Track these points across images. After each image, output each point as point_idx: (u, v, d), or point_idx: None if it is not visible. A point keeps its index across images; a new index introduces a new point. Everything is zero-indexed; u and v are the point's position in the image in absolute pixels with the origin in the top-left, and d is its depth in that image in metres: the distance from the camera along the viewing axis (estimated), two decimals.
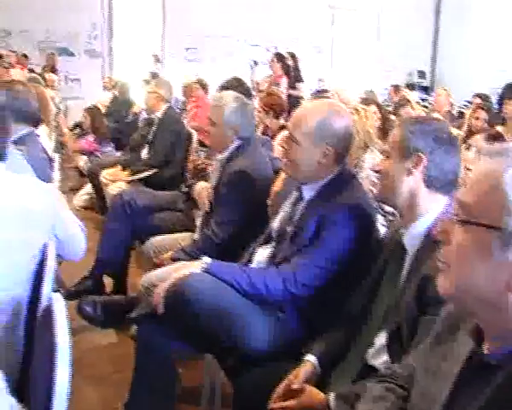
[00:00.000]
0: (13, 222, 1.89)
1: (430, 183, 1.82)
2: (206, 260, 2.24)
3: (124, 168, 5.07)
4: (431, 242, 1.71)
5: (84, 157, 6.27)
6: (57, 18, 11.73)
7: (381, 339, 1.84)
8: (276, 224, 2.40)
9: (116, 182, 4.78)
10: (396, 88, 9.74)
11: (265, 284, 2.14)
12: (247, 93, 4.01)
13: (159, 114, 4.90)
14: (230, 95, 3.18)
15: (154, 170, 4.64)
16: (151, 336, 2.26)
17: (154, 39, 12.81)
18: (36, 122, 3.48)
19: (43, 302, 1.84)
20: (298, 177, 2.31)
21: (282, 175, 2.78)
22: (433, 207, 1.81)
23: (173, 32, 12.37)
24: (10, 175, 2.00)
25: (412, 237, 1.82)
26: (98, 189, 5.35)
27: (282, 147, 2.41)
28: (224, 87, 4.17)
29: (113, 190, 4.63)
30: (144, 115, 5.96)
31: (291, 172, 2.34)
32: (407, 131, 1.84)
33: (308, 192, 2.28)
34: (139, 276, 3.98)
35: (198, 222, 3.23)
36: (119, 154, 6.24)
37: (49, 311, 1.65)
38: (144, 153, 4.96)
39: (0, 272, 1.85)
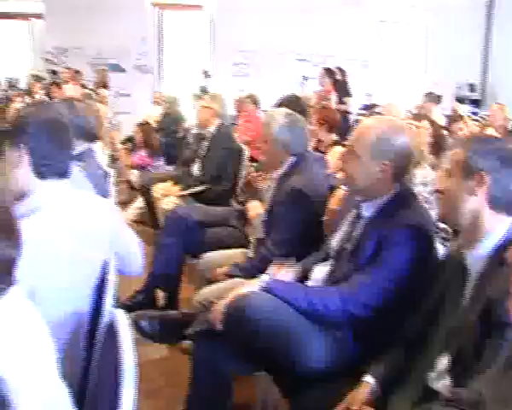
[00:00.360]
0: (76, 239, 1.94)
1: (494, 203, 1.78)
2: (264, 278, 2.24)
3: (175, 183, 5.13)
4: (496, 264, 1.67)
5: (136, 171, 6.37)
6: (108, 35, 12.01)
7: (443, 362, 1.80)
8: (334, 242, 2.39)
9: (168, 196, 4.83)
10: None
11: (324, 302, 2.13)
12: (303, 110, 4.00)
13: (211, 130, 4.94)
14: (280, 111, 3.19)
15: (206, 186, 4.67)
16: (208, 353, 2.27)
17: (202, 54, 12.98)
18: (93, 138, 3.57)
19: (105, 318, 1.87)
20: (354, 191, 2.31)
21: (339, 192, 2.76)
22: (497, 228, 1.77)
23: (222, 47, 12.48)
24: (73, 192, 2.05)
25: (475, 259, 1.79)
26: (150, 203, 5.42)
27: (341, 160, 2.41)
28: (281, 103, 4.16)
29: (165, 204, 4.68)
30: (195, 130, 6.00)
31: (347, 185, 2.35)
32: (470, 149, 1.81)
33: (367, 210, 2.26)
34: (190, 291, 4.04)
35: (252, 239, 3.23)
36: (170, 168, 6.32)
37: (111, 327, 1.68)
38: (196, 168, 5.00)
39: (62, 287, 1.89)
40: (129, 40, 12.31)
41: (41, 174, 1.94)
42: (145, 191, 5.50)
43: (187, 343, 3.13)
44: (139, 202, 6.06)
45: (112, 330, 1.65)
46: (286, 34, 12.23)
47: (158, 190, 5.14)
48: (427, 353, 1.88)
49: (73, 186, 2.08)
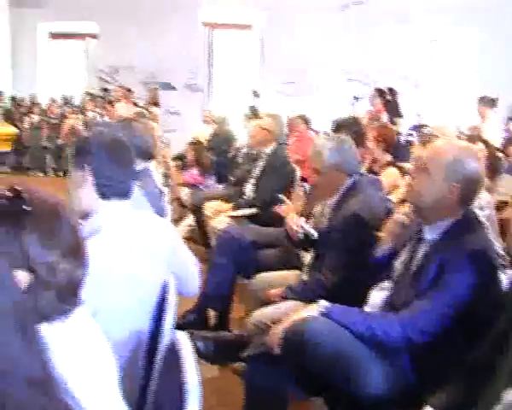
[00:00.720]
0: (137, 259, 1.96)
1: None
2: (323, 303, 2.22)
3: (226, 202, 5.16)
4: None
5: (187, 189, 6.43)
6: (160, 54, 12.26)
7: (510, 395, 1.74)
8: (397, 265, 2.36)
9: (219, 215, 4.85)
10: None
11: (383, 328, 2.09)
12: (361, 131, 3.97)
13: (267, 151, 4.91)
14: (324, 138, 3.18)
15: (258, 208, 4.63)
16: (264, 376, 2.26)
17: (252, 74, 13.09)
18: (150, 157, 3.62)
19: (165, 338, 1.88)
20: (418, 208, 2.28)
21: (396, 216, 2.72)
22: None
23: (271, 66, 12.58)
24: (134, 212, 2.08)
25: None
26: (200, 221, 5.45)
27: (411, 176, 2.40)
28: (339, 124, 4.13)
29: (216, 223, 4.70)
30: (246, 150, 6.02)
31: (412, 202, 2.33)
32: None
33: (430, 233, 2.23)
34: (241, 311, 4.03)
35: (306, 261, 3.21)
36: (221, 187, 6.36)
37: (172, 347, 1.69)
38: (249, 189, 4.98)
39: (123, 307, 1.91)
40: (180, 59, 12.53)
41: (104, 195, 1.97)
42: (196, 209, 5.53)
43: (238, 364, 3.11)
44: (189, 220, 6.10)
45: (173, 351, 1.65)
46: (336, 53, 12.22)
47: (209, 208, 5.17)
48: (494, 384, 1.81)
49: (133, 205, 2.11)
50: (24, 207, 1.13)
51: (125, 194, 2.02)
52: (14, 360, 1.02)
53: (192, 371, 1.46)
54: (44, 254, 1.13)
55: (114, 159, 2.00)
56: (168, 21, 12.17)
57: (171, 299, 1.98)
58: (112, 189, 1.98)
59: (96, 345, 1.40)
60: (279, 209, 3.43)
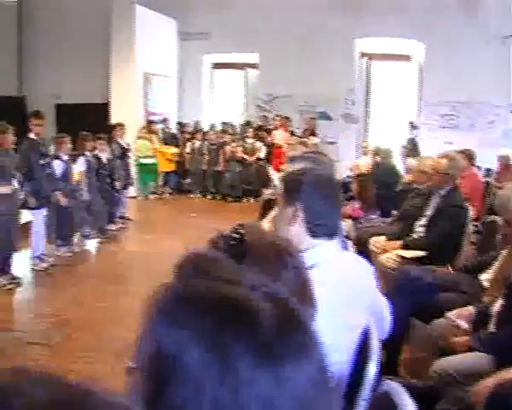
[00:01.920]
0: (345, 301, 1.92)
1: None
2: None
3: (391, 238, 5.04)
4: None
5: (349, 221, 6.38)
6: (318, 84, 12.43)
7: None
8: None
9: (388, 252, 4.74)
10: None
11: None
12: None
13: (442, 192, 4.73)
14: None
15: (428, 251, 4.46)
16: None
17: (409, 105, 12.85)
18: None
19: (368, 384, 1.85)
20: None
21: None
22: None
23: (429, 97, 12.27)
24: (341, 252, 2.06)
25: None
26: (365, 255, 5.36)
27: None
28: None
29: (385, 260, 4.61)
30: (415, 186, 5.84)
31: None
32: None
33: None
34: (409, 353, 3.91)
35: (494, 311, 3.04)
36: (381, 221, 6.24)
37: (385, 394, 1.65)
38: (419, 227, 4.83)
39: (327, 348, 1.89)
40: (337, 89, 12.61)
41: (313, 233, 1.95)
42: (361, 244, 5.46)
43: None
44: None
45: (386, 400, 1.62)
46: (500, 85, 11.65)
47: (376, 244, 5.07)
48: None
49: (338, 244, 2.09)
50: (243, 247, 1.17)
51: (333, 233, 2.00)
52: None
53: None
54: None
55: (325, 197, 1.97)
56: (326, 52, 12.32)
57: (375, 345, 1.94)
58: (321, 228, 1.96)
59: None
60: None
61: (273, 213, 5.44)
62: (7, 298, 5.96)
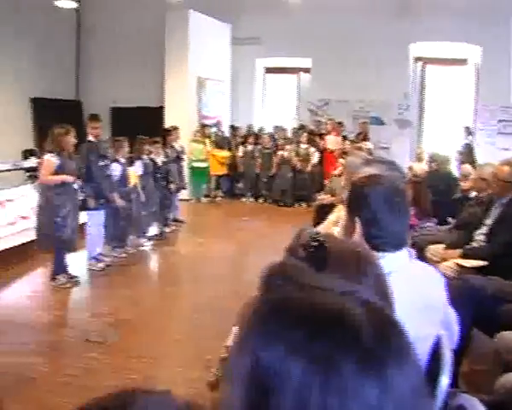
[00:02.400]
0: (414, 313, 1.88)
1: None
2: None
3: (449, 247, 4.93)
4: None
5: None
6: (372, 88, 12.32)
7: None
8: None
9: (446, 261, 4.63)
10: None
11: None
12: None
13: (503, 201, 4.59)
14: None
15: (489, 261, 4.33)
16: None
17: (465, 110, 12.59)
18: None
19: (442, 397, 1.81)
20: None
21: None
22: None
23: (486, 102, 11.99)
24: (410, 261, 2.01)
25: None
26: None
27: None
28: None
29: (442, 269, 4.51)
30: (475, 194, 5.70)
31: None
32: None
33: None
34: (467, 366, 3.83)
35: None
36: (435, 228, 6.12)
37: (460, 408, 1.61)
38: (479, 236, 4.71)
39: None
40: (391, 94, 12.48)
41: (375, 247, 1.85)
42: (416, 251, 5.36)
43: None
44: None
45: None
46: None
47: (434, 252, 4.97)
48: None
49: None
50: (324, 255, 1.16)
51: (398, 245, 1.94)
52: None
53: None
54: None
55: (391, 210, 1.90)
56: (380, 56, 12.20)
57: (447, 355, 1.89)
58: (384, 241, 1.90)
59: None
60: None
61: (330, 218, 5.43)
62: (65, 296, 6.12)
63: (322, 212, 6.77)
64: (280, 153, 11.99)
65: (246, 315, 0.76)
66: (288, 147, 11.89)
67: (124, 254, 7.52)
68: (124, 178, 7.39)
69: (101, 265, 6.96)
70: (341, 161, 8.48)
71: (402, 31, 11.89)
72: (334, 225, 4.95)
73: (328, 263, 1.16)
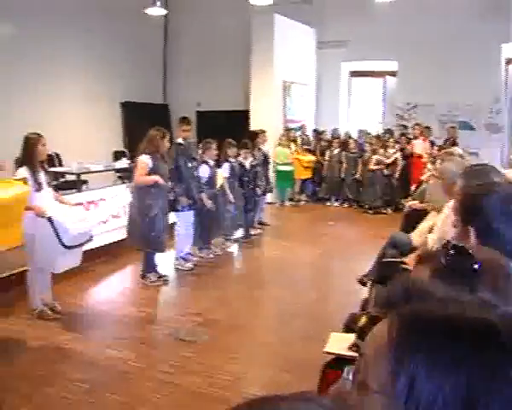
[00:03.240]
0: None
1: None
2: None
3: None
4: None
5: None
6: (460, 92, 11.95)
7: None
8: None
9: None
10: None
11: None
12: None
13: None
14: None
15: None
16: None
17: None
18: None
19: None
20: None
21: None
22: None
23: None
24: None
25: None
26: None
27: None
28: None
29: None
30: None
31: None
32: None
33: None
34: None
35: None
36: None
37: None
38: None
39: None
40: (481, 98, 12.06)
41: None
42: None
43: None
44: None
45: None
46: None
47: None
48: None
49: None
50: (474, 266, 1.12)
51: None
52: None
53: None
54: None
55: (508, 218, 1.78)
56: (469, 58, 11.81)
57: None
58: (501, 251, 1.84)
59: None
60: None
61: (422, 225, 5.30)
62: (155, 294, 6.27)
63: (411, 218, 6.63)
64: (366, 157, 11.78)
65: (388, 331, 0.74)
66: (380, 151, 11.59)
67: (211, 256, 7.64)
68: (211, 179, 7.50)
69: (189, 265, 7.09)
70: (429, 166, 8.27)
71: (493, 31, 11.45)
72: (429, 232, 4.83)
73: (477, 274, 1.13)
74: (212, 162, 7.55)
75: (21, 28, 10.44)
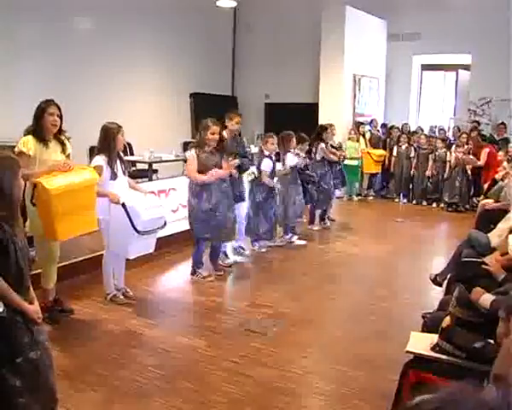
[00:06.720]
0: None
1: None
2: None
3: None
4: None
5: None
6: None
7: None
8: None
9: None
10: None
11: None
12: None
13: None
14: None
15: None
16: None
17: None
18: None
19: None
20: None
21: None
22: None
23: None
24: None
25: None
26: None
27: None
28: None
29: None
30: None
31: None
32: None
33: None
34: None
35: None
36: None
37: None
38: None
39: None
40: None
41: None
42: None
43: None
44: None
45: None
46: None
47: None
48: None
49: None
50: None
51: None
52: None
53: None
54: None
55: None
56: None
57: None
58: None
59: None
60: None
61: (501, 226, 5.11)
62: (222, 284, 6.31)
63: (487, 217, 6.41)
64: (437, 153, 11.42)
65: None
66: (460, 149, 11.11)
67: (263, 250, 7.57)
68: (272, 172, 7.45)
69: (229, 261, 6.98)
70: (505, 164, 7.98)
71: None
72: (510, 232, 4.65)
73: None
74: (273, 155, 7.47)
75: (100, 25, 10.81)
